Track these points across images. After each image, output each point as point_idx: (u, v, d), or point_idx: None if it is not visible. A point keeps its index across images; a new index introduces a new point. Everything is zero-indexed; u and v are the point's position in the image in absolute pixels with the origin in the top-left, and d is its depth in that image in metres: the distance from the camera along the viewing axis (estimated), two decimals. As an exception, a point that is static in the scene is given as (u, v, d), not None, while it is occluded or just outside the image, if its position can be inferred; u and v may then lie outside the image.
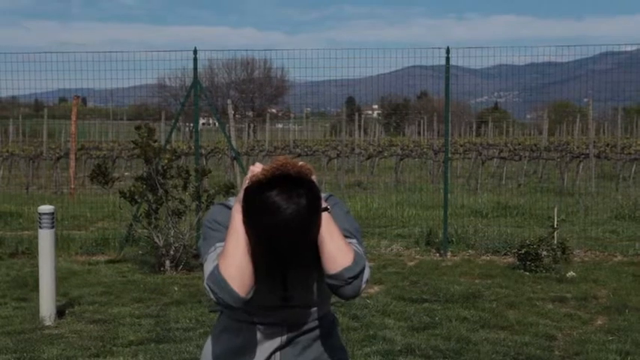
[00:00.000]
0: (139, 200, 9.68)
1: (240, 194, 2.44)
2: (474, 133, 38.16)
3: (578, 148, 24.48)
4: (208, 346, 2.76)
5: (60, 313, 7.34)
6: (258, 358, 2.61)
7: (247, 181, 2.43)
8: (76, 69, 11.80)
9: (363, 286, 2.49)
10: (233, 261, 2.39)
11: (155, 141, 9.58)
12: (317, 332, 2.66)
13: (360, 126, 31.77)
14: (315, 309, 2.63)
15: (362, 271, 2.49)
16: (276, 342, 2.59)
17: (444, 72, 10.96)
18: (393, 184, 21.23)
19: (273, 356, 2.60)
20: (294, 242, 2.36)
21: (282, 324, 2.58)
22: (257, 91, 62.69)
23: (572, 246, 10.30)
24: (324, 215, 2.46)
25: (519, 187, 20.36)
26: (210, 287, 2.40)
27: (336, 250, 2.46)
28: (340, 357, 2.76)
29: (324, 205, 2.46)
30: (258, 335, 2.59)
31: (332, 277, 2.43)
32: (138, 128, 9.58)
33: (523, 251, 9.46)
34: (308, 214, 2.35)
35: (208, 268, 2.44)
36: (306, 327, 2.62)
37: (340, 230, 2.51)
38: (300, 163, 2.44)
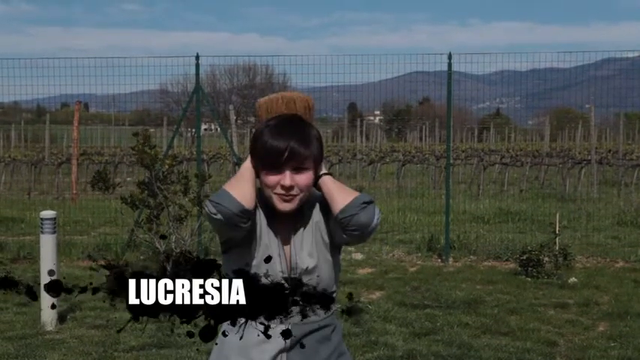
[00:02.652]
0: (139, 206, 9.68)
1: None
2: (476, 139, 38.13)
3: (580, 154, 24.48)
4: (215, 349, 2.78)
5: (61, 318, 7.34)
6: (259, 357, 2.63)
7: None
8: (78, 74, 11.82)
9: (376, 217, 2.58)
10: (237, 183, 2.59)
11: (154, 147, 9.58)
12: (322, 333, 2.67)
13: (362, 132, 31.77)
14: (319, 311, 2.59)
15: (373, 202, 2.59)
16: (281, 343, 2.58)
17: (446, 78, 10.97)
18: (394, 190, 21.22)
19: (279, 357, 2.62)
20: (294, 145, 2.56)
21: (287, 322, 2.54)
22: (259, 97, 62.49)
23: (574, 252, 10.30)
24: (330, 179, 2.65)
25: (521, 192, 20.34)
26: (212, 201, 2.54)
27: (345, 190, 2.62)
28: None
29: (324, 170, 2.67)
30: (263, 336, 2.51)
31: (344, 209, 2.54)
32: (135, 135, 9.60)
33: (525, 257, 9.45)
34: (306, 134, 2.61)
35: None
36: (311, 327, 2.64)
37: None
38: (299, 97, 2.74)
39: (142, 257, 10.31)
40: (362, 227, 2.54)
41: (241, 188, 2.56)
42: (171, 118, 25.93)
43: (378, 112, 37.57)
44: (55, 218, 7.23)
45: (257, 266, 2.63)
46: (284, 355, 2.63)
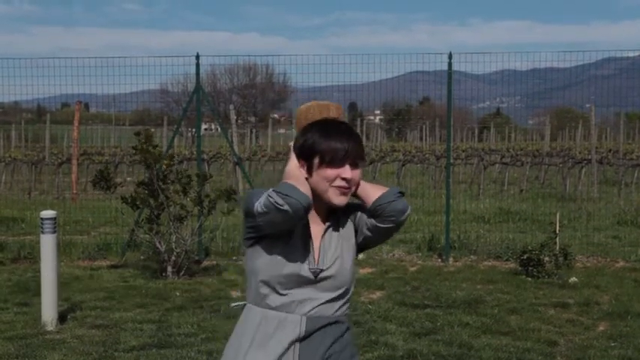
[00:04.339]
0: (140, 206, 9.69)
1: (292, 155, 2.81)
2: (476, 139, 38.11)
3: (580, 153, 24.45)
4: (232, 338, 2.90)
5: (62, 318, 7.34)
6: (275, 349, 2.75)
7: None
8: (79, 74, 11.80)
9: (410, 209, 2.82)
10: (296, 180, 2.71)
11: (156, 146, 9.58)
12: (335, 328, 2.81)
13: (362, 131, 31.75)
14: (336, 302, 2.81)
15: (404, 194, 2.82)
16: (295, 332, 2.74)
17: (446, 77, 10.97)
18: (395, 190, 21.18)
19: (292, 347, 2.75)
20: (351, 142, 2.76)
21: (302, 312, 2.75)
22: (259, 97, 62.67)
23: (574, 252, 10.30)
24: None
25: (521, 192, 20.34)
26: (279, 192, 2.62)
27: (378, 185, 2.83)
28: None
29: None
30: (277, 326, 2.76)
31: (380, 197, 2.77)
32: (137, 134, 9.60)
33: (525, 257, 9.45)
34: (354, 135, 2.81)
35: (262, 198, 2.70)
36: (325, 321, 2.78)
37: None
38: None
39: (142, 257, 10.31)
40: (398, 214, 2.76)
41: (304, 185, 2.70)
42: (171, 118, 25.93)
43: (378, 112, 37.54)
44: (55, 218, 7.23)
45: (280, 262, 2.77)
46: (297, 344, 2.75)
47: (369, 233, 2.88)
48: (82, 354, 6.29)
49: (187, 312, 7.70)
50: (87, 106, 23.47)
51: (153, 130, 13.27)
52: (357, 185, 2.83)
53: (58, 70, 11.72)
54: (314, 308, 2.77)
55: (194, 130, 18.97)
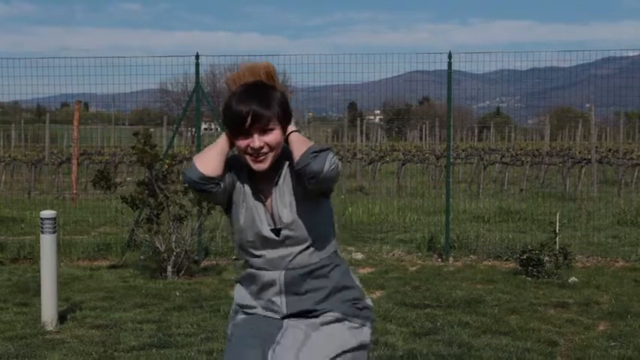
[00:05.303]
0: (140, 206, 9.69)
1: None
2: (476, 138, 38.12)
3: (580, 153, 24.46)
4: (235, 291, 3.16)
5: (61, 318, 7.34)
6: (264, 302, 2.99)
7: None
8: (78, 74, 11.79)
9: (328, 164, 2.78)
10: (204, 154, 2.91)
11: (155, 146, 9.58)
12: (317, 274, 2.96)
13: (362, 131, 31.72)
14: (311, 250, 2.94)
15: (326, 150, 2.81)
16: (277, 287, 2.95)
17: (446, 77, 10.96)
18: (395, 190, 21.22)
19: (278, 299, 2.95)
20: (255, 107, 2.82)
21: (281, 268, 2.93)
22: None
23: (574, 251, 10.30)
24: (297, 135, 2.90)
25: (521, 192, 20.33)
26: (184, 171, 2.92)
27: (303, 143, 2.85)
28: (348, 297, 3.01)
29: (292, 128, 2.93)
30: (262, 284, 2.96)
31: (298, 161, 2.80)
32: (136, 134, 9.60)
33: (525, 257, 9.45)
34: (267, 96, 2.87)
35: None
36: (303, 270, 2.94)
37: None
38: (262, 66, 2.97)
39: (141, 257, 10.31)
40: (315, 175, 2.77)
41: (205, 157, 2.89)
42: (171, 118, 25.93)
43: (378, 112, 37.53)
44: (55, 218, 7.23)
45: (244, 229, 2.95)
46: (282, 296, 2.95)
47: (307, 185, 2.92)
48: (82, 354, 6.28)
49: (187, 312, 7.70)
50: (87, 105, 23.47)
51: (152, 129, 13.26)
52: (280, 144, 2.88)
53: (58, 70, 11.71)
54: (290, 262, 2.91)
55: (194, 129, 18.96)
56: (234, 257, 2.97)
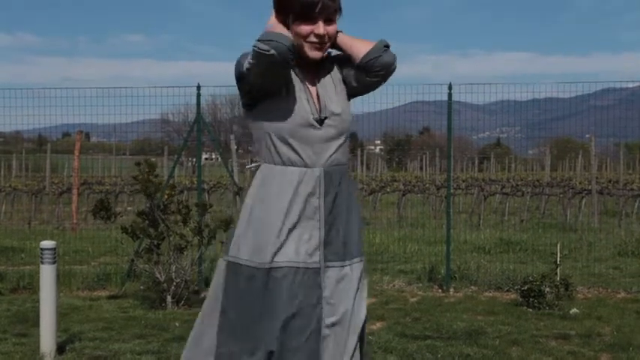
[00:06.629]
0: (140, 235, 9.68)
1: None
2: (477, 169, 38.18)
3: (580, 183, 24.47)
4: (249, 195, 3.03)
5: (60, 349, 7.29)
6: (297, 201, 2.93)
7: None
8: (80, 104, 11.84)
9: (396, 60, 2.92)
10: (274, 29, 2.84)
11: (157, 176, 9.59)
12: (344, 171, 3.01)
13: (362, 161, 31.81)
14: (344, 148, 2.98)
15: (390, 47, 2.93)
16: (316, 184, 2.92)
17: (447, 107, 11.00)
18: (395, 220, 21.21)
19: (316, 198, 2.93)
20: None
21: (319, 165, 2.91)
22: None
23: (575, 282, 10.26)
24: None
25: (522, 222, 20.32)
26: (262, 40, 2.72)
27: (363, 39, 2.94)
28: (357, 217, 3.21)
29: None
30: (299, 181, 2.91)
31: (368, 53, 2.89)
32: (138, 164, 9.61)
33: (526, 288, 9.41)
34: None
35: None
36: (338, 169, 2.97)
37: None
38: None
39: (141, 287, 10.28)
40: (386, 66, 2.90)
41: (283, 30, 2.84)
42: (172, 148, 25.99)
43: (378, 142, 37.65)
44: (55, 248, 7.21)
45: (292, 129, 2.90)
46: (321, 197, 2.95)
47: (355, 84, 3.00)
48: (81, 385, 6.24)
49: (186, 342, 7.64)
50: (88, 135, 23.54)
51: (154, 159, 13.28)
52: (334, 38, 2.93)
53: (59, 100, 11.76)
54: (329, 158, 2.92)
55: (194, 159, 18.99)
56: (247, 166, 2.89)
